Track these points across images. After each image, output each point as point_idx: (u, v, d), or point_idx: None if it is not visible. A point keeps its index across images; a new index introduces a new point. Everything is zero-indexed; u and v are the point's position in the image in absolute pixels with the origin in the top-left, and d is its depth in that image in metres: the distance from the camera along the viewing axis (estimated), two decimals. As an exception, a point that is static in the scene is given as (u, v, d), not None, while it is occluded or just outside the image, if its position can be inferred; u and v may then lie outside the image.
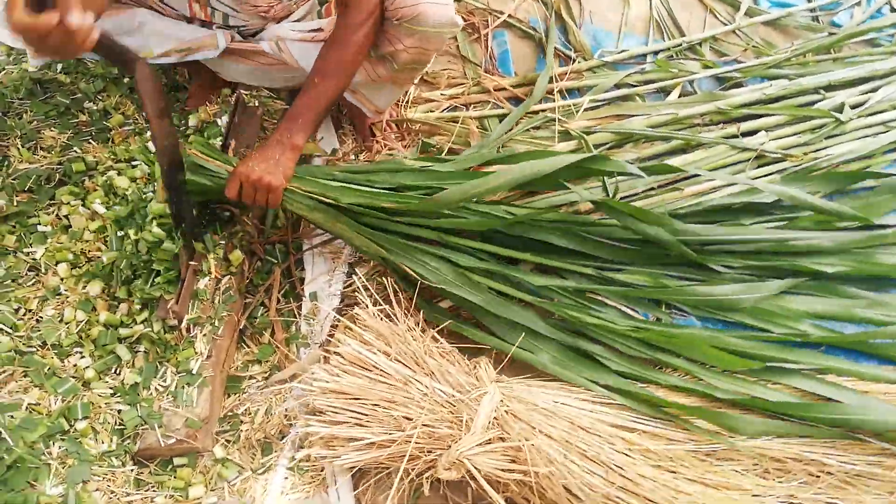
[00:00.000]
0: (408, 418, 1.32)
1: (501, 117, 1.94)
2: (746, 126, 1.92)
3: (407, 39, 1.50)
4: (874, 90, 2.05)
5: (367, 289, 1.48)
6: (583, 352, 1.48)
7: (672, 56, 2.16)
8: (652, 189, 1.79)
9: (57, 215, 1.57)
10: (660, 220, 1.50)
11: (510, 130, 1.86)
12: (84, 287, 1.48)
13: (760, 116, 1.94)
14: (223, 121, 1.71)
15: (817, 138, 1.90)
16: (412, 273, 1.45)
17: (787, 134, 1.92)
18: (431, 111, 1.97)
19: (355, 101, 1.76)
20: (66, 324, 1.44)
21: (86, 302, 1.45)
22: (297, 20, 1.69)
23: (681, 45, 2.17)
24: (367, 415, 1.32)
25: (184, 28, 1.66)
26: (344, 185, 1.49)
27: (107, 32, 1.19)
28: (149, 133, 1.51)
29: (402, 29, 1.48)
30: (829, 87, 2.04)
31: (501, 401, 1.36)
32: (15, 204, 1.57)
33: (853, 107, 1.98)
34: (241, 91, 1.82)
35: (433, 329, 1.47)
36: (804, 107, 1.96)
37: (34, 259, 1.52)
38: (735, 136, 1.88)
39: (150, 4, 1.62)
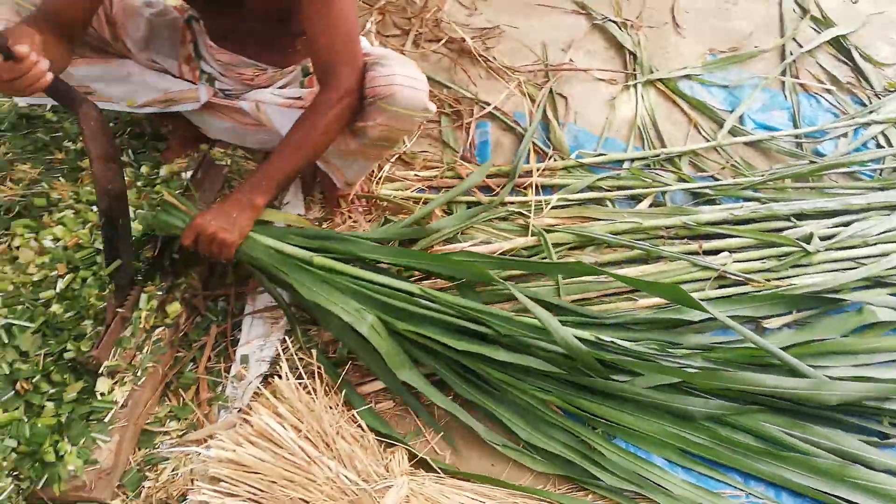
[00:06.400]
0: (305, 501, 1.28)
1: (470, 204, 1.96)
2: (712, 245, 1.91)
3: (378, 116, 1.54)
4: (847, 224, 2.03)
5: (292, 359, 1.46)
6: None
7: (649, 165, 2.18)
8: (605, 296, 1.78)
9: (8, 245, 1.60)
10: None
11: (474, 217, 1.87)
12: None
13: (727, 236, 1.94)
14: (187, 175, 1.75)
15: (783, 266, 1.88)
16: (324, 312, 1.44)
17: (752, 258, 1.90)
18: (402, 189, 1.99)
19: (327, 170, 1.79)
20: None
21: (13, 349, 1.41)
22: (281, 87, 1.75)
23: (659, 155, 2.19)
24: (263, 491, 1.28)
25: (169, 80, 1.73)
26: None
27: (60, 78, 1.26)
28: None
29: (375, 106, 1.52)
30: (801, 216, 2.03)
31: (407, 497, 1.31)
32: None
33: (823, 238, 1.96)
34: (215, 148, 1.87)
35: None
36: (772, 232, 1.95)
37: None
38: (697, 254, 1.87)
39: (142, 61, 1.70)
